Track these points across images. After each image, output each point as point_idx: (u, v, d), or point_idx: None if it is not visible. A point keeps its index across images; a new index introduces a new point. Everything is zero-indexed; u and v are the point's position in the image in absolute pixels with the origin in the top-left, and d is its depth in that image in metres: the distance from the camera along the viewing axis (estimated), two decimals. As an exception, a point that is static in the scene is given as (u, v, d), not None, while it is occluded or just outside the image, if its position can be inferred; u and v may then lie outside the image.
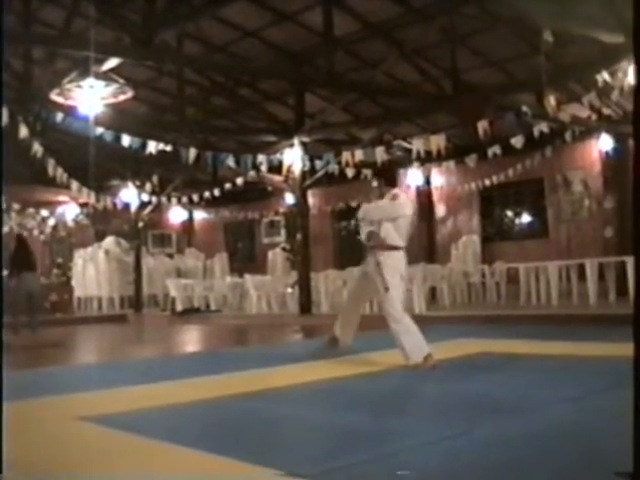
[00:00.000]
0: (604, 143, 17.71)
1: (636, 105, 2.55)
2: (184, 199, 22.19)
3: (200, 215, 28.43)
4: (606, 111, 15.37)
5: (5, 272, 12.71)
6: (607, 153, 17.87)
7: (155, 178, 21.26)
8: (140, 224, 22.17)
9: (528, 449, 3.71)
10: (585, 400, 4.97)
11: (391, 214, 7.54)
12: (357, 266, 18.27)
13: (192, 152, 15.26)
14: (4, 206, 20.39)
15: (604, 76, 11.51)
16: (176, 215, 27.91)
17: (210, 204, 23.92)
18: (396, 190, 7.98)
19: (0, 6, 3.01)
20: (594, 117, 14.52)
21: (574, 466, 3.38)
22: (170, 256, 26.49)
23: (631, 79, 11.32)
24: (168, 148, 14.98)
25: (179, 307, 19.82)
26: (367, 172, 17.36)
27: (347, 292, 8.27)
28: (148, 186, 21.24)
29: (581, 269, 14.42)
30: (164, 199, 22.23)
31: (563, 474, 3.24)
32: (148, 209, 22.11)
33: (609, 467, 3.39)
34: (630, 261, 13.31)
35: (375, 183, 8.19)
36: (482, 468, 3.39)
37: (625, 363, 6.78)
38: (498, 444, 3.84)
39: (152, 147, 14.49)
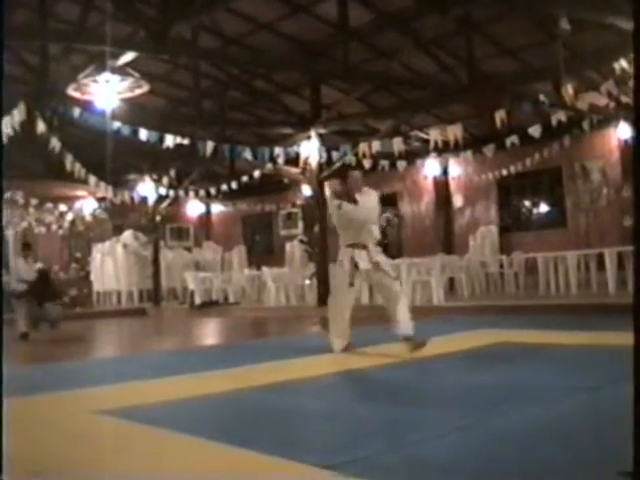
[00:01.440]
0: (623, 131, 17.60)
1: (636, 104, 2.52)
2: (201, 192, 22.25)
3: (217, 208, 28.44)
4: (624, 99, 15.27)
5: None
6: (626, 141, 17.77)
7: (172, 172, 21.32)
8: (158, 218, 22.23)
9: (544, 440, 3.69)
10: (603, 389, 4.95)
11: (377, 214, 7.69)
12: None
13: (209, 145, 15.28)
14: (21, 201, 20.51)
15: (622, 63, 11.43)
16: (193, 208, 27.96)
17: (227, 197, 23.95)
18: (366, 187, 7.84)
19: (0, 6, 3.00)
20: (612, 105, 14.43)
21: (589, 457, 3.36)
22: (188, 249, 26.57)
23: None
24: (185, 141, 15.01)
25: (197, 300, 19.87)
26: (384, 163, 17.35)
27: (335, 301, 7.90)
28: (165, 180, 21.30)
29: (600, 258, 14.36)
30: (181, 192, 22.29)
31: (578, 465, 3.23)
32: (165, 203, 22.17)
33: (624, 457, 3.38)
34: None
35: (357, 172, 7.90)
36: (497, 459, 3.39)
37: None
38: (515, 435, 3.83)
39: (169, 141, 14.53)
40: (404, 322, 7.22)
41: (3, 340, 3.23)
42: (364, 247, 7.47)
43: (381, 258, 7.53)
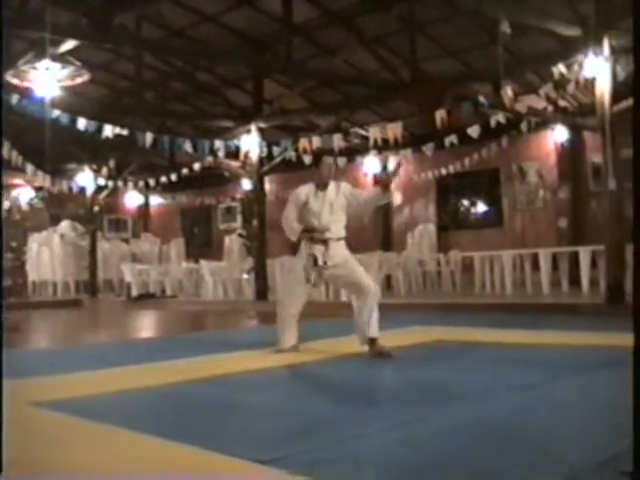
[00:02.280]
0: (559, 134, 17.91)
1: (636, 101, 2.58)
2: (140, 183, 22.04)
3: (156, 200, 28.23)
4: (562, 103, 15.55)
5: None
6: (562, 144, 18.08)
7: (112, 162, 21.12)
8: (96, 208, 21.98)
9: (481, 436, 3.76)
10: (539, 387, 5.05)
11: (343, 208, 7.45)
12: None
13: (149, 136, 15.15)
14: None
15: (560, 68, 11.65)
16: (132, 200, 27.68)
17: (167, 189, 23.82)
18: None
19: (0, 6, 3.00)
20: (550, 108, 14.67)
21: (526, 453, 3.44)
22: (126, 241, 26.35)
23: (586, 72, 11.48)
24: (125, 132, 14.86)
25: (134, 292, 19.74)
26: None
27: (290, 296, 7.57)
28: (104, 170, 21.09)
29: (535, 258, 14.60)
30: (120, 183, 22.07)
31: (515, 461, 3.29)
32: (104, 193, 21.91)
33: (559, 454, 3.46)
34: (583, 251, 13.52)
35: (331, 159, 7.67)
36: (436, 455, 3.44)
37: (576, 351, 6.92)
38: (452, 431, 3.89)
39: (108, 131, 14.36)
40: (369, 323, 6.97)
41: (3, 339, 3.19)
42: (324, 242, 7.18)
43: (344, 253, 7.32)
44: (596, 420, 4.17)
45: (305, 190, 7.27)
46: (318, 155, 7.73)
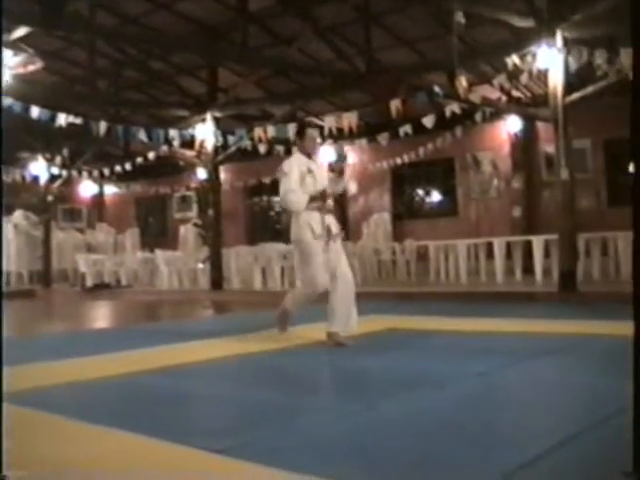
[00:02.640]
0: (513, 125, 18.07)
1: (635, 103, 2.61)
2: (95, 173, 21.84)
3: (111, 189, 27.99)
4: (515, 93, 15.71)
5: None
6: (516, 134, 18.24)
7: (65, 151, 20.91)
8: (49, 198, 21.78)
9: (434, 423, 3.80)
10: (490, 375, 5.10)
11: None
12: (268, 242, 18.37)
13: (102, 125, 15.02)
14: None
15: (514, 59, 11.74)
16: (86, 189, 27.43)
17: (121, 178, 23.65)
18: None
19: (0, 7, 2.97)
20: (504, 99, 14.79)
21: (478, 440, 3.48)
22: (80, 231, 26.14)
23: (539, 63, 11.59)
24: (78, 121, 14.72)
25: (89, 282, 19.61)
26: (280, 148, 17.38)
27: (314, 270, 6.79)
28: (58, 159, 20.88)
29: (489, 247, 14.75)
30: (74, 172, 21.87)
31: (467, 448, 3.33)
32: (58, 182, 21.73)
33: (511, 438, 3.52)
34: (536, 240, 13.67)
35: (315, 132, 7.30)
36: (387, 443, 3.46)
37: (529, 338, 7.00)
38: (405, 419, 3.92)
39: (62, 119, 14.22)
40: (336, 314, 6.83)
41: (3, 338, 3.15)
42: (330, 212, 6.99)
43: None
44: (545, 407, 4.23)
45: (301, 160, 6.93)
46: (302, 127, 7.38)
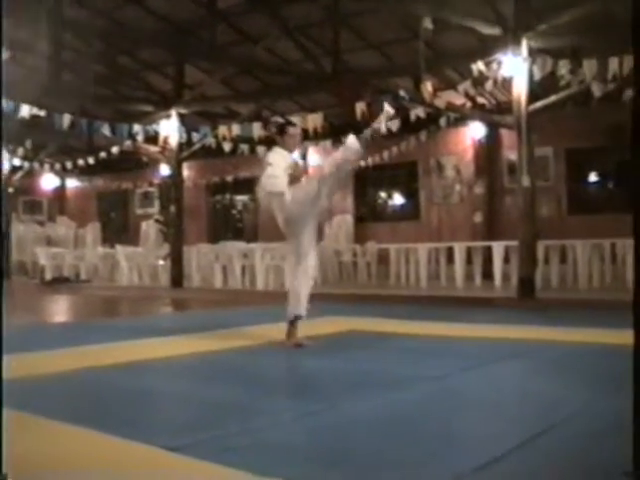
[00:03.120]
0: (477, 131, 18.18)
1: (635, 103, 2.64)
2: (57, 166, 21.66)
3: (73, 183, 27.77)
4: (480, 100, 15.82)
5: None
6: (479, 140, 18.37)
7: (28, 143, 20.71)
8: (10, 189, 21.56)
9: (391, 424, 3.82)
10: (447, 379, 5.14)
11: None
12: (229, 240, 18.32)
13: (66, 118, 14.91)
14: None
15: (480, 66, 11.83)
16: (48, 182, 27.14)
17: (84, 172, 23.46)
18: None
19: (0, 7, 2.93)
20: (468, 105, 14.89)
21: (433, 442, 3.51)
22: (41, 223, 25.90)
23: (504, 71, 11.69)
24: (42, 113, 14.59)
25: (48, 276, 19.45)
26: (244, 147, 17.36)
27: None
28: (20, 150, 20.67)
29: (450, 252, 14.83)
30: (36, 165, 21.67)
31: (422, 450, 3.36)
32: (19, 174, 21.52)
33: (466, 442, 3.55)
34: (496, 246, 13.78)
35: (298, 129, 7.32)
36: (344, 443, 3.49)
37: (487, 343, 7.06)
38: (362, 420, 3.95)
39: (25, 111, 14.09)
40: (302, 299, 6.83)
41: (3, 336, 3.12)
42: None
43: None
44: (499, 412, 4.28)
45: (284, 154, 6.92)
46: (284, 125, 7.35)
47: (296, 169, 6.85)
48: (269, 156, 6.95)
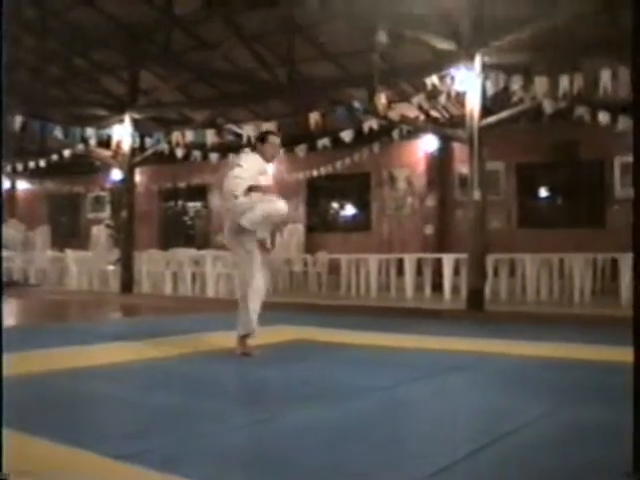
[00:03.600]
0: (429, 143, 18.32)
1: (636, 102, 2.67)
2: (8, 168, 21.40)
3: (23, 185, 27.45)
4: (433, 113, 15.94)
5: None
6: (432, 153, 18.50)
7: (-23, 144, 20.43)
8: (-42, 191, 21.28)
9: (338, 433, 3.84)
10: (392, 389, 5.17)
11: None
12: (180, 247, 18.23)
13: (18, 120, 14.77)
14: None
15: (433, 79, 11.93)
16: (-2, 183, 26.82)
17: (35, 174, 23.19)
18: None
19: (0, 6, 2.89)
20: (422, 118, 15.01)
21: (382, 451, 3.53)
22: (-11, 226, 25.55)
23: (458, 86, 11.81)
24: (-7, 114, 14.42)
25: (-4, 279, 19.20)
26: (197, 154, 17.32)
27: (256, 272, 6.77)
28: (-32, 151, 20.39)
29: (400, 263, 14.92)
30: (-15, 166, 21.40)
31: (371, 458, 3.38)
32: (-33, 175, 21.24)
33: (415, 451, 3.58)
34: (446, 258, 13.88)
35: (278, 139, 7.15)
36: (291, 451, 3.49)
37: (435, 355, 7.11)
38: (309, 429, 3.96)
39: (-25, 112, 13.92)
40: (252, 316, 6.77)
41: (3, 336, 3.07)
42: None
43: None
44: (447, 423, 4.32)
45: (259, 160, 6.84)
46: (266, 133, 7.28)
47: (266, 179, 6.84)
48: (242, 157, 6.92)
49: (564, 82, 11.11)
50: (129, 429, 4.08)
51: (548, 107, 12.03)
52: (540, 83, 11.40)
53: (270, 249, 6.94)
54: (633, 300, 2.63)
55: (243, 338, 6.82)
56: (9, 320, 12.85)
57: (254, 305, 6.77)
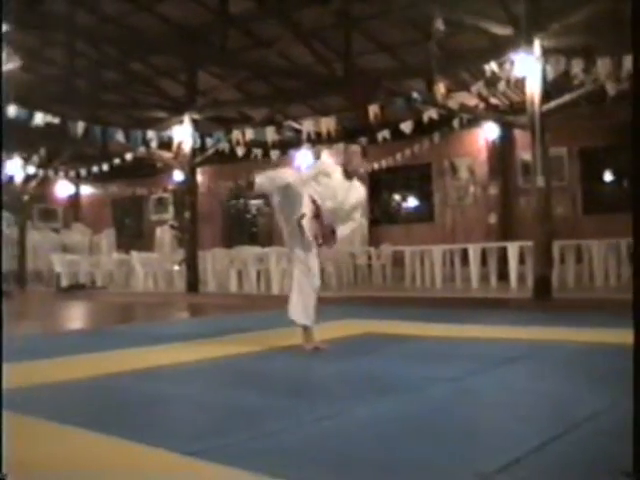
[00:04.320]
0: (490, 131, 18.15)
1: (635, 103, 2.63)
2: (71, 173, 21.73)
3: (87, 190, 27.85)
4: (493, 100, 15.78)
5: None
6: (493, 141, 18.33)
7: (42, 150, 20.78)
8: (25, 197, 21.66)
9: (407, 427, 3.81)
10: (463, 380, 5.12)
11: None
12: (244, 245, 18.33)
13: (80, 125, 14.96)
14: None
15: (492, 66, 11.80)
16: (63, 189, 27.22)
17: (98, 179, 23.52)
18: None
19: (0, 7, 2.96)
20: (481, 106, 14.86)
21: (452, 444, 3.49)
22: (56, 231, 25.99)
23: (517, 71, 11.66)
24: (56, 120, 14.64)
25: (64, 283, 19.50)
26: (257, 151, 17.38)
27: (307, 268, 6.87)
28: (35, 158, 20.75)
29: (464, 254, 14.80)
30: (51, 172, 21.75)
31: (441, 452, 3.35)
32: (34, 182, 21.61)
33: (485, 443, 3.54)
34: (511, 247, 13.73)
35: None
36: (359, 447, 3.47)
37: (503, 344, 7.03)
38: (378, 424, 3.93)
39: (39, 119, 14.15)
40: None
41: (3, 337, 3.13)
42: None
43: None
44: (517, 413, 4.26)
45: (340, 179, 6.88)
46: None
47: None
48: (329, 165, 7.04)
49: (627, 62, 10.88)
50: (200, 427, 4.08)
51: (611, 89, 11.81)
52: (602, 64, 11.20)
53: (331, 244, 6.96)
54: (633, 286, 2.55)
55: (306, 329, 6.79)
56: (79, 323, 13.08)
57: (310, 301, 6.78)
